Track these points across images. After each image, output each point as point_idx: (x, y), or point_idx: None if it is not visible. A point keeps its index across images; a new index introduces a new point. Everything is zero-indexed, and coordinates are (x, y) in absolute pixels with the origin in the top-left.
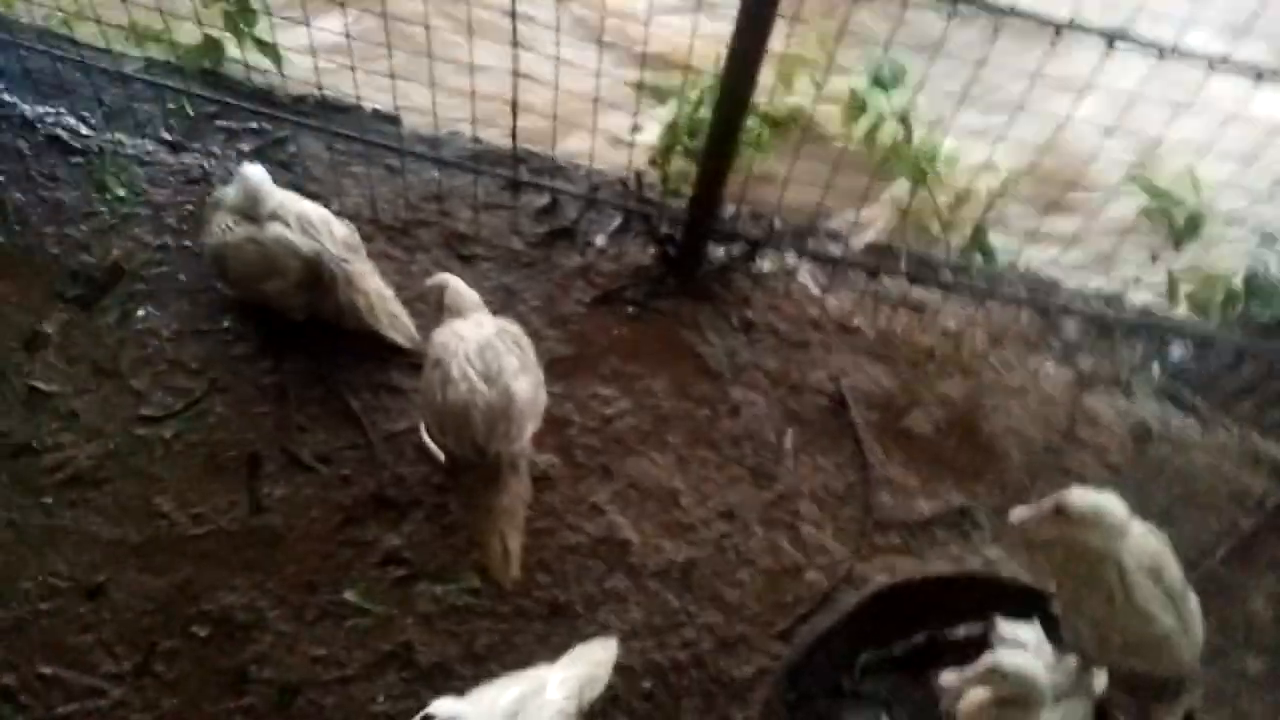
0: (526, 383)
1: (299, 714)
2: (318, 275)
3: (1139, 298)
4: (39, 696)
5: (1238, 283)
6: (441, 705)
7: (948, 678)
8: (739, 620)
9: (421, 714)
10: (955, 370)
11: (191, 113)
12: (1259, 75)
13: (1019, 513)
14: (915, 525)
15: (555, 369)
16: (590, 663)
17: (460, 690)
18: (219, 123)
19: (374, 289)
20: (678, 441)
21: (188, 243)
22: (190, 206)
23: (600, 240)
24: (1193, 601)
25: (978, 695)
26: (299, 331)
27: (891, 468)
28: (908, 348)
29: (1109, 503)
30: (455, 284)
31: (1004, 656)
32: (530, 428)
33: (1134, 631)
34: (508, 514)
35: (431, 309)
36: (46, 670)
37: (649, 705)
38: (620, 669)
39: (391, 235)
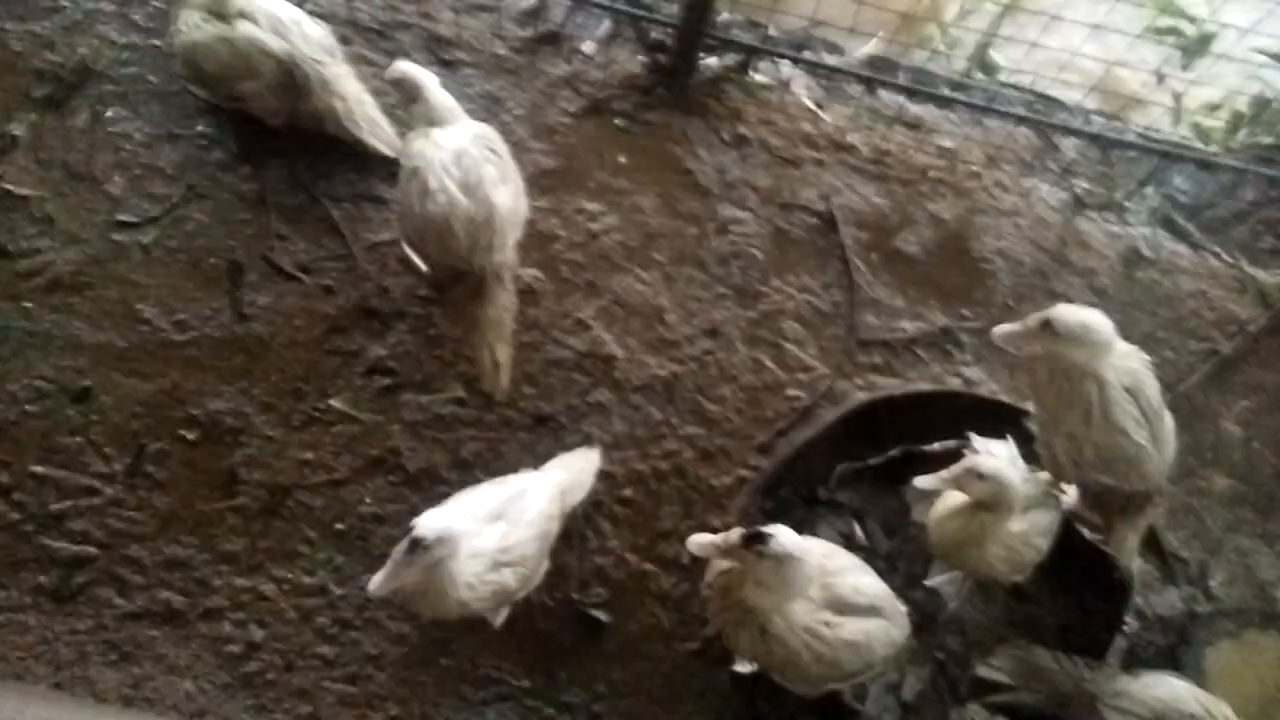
0: (507, 193)
1: (289, 514)
2: (292, 77)
3: (1141, 119)
4: (33, 494)
5: (1243, 105)
6: (427, 522)
7: (922, 480)
8: (720, 433)
9: (408, 537)
10: (948, 190)
11: None
12: None
13: (1002, 329)
14: (898, 344)
15: (540, 182)
16: (573, 469)
17: (446, 495)
18: None
19: (352, 93)
20: (664, 259)
21: (157, 42)
22: (158, 2)
23: (588, 47)
24: (1167, 421)
25: (951, 499)
26: (277, 138)
27: (878, 287)
28: (902, 166)
29: (1095, 319)
30: (428, 82)
31: (982, 459)
32: (513, 239)
33: (1107, 447)
34: (495, 326)
35: (402, 105)
36: (39, 469)
37: (630, 510)
38: (603, 476)
39: (369, 38)
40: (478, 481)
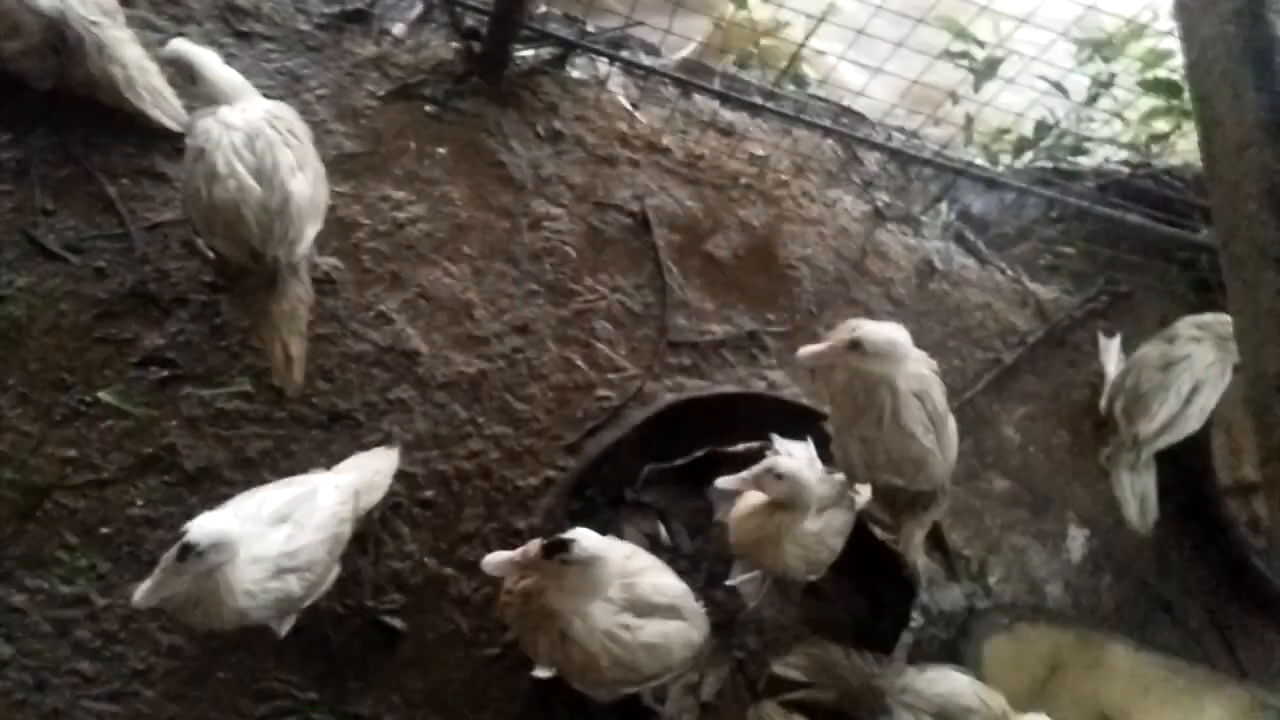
0: (304, 179)
1: (46, 517)
2: (63, 39)
3: (937, 135)
4: None
5: (1025, 130)
6: (200, 525)
7: (724, 481)
8: (527, 433)
9: (179, 542)
10: (758, 197)
11: None
12: None
13: (807, 351)
14: (706, 347)
15: (342, 166)
16: (369, 470)
17: (228, 496)
18: None
19: (133, 59)
20: (474, 252)
21: None
22: None
23: (398, 29)
24: (951, 425)
25: (751, 499)
26: (46, 102)
27: (688, 290)
28: (714, 171)
29: (899, 336)
30: (206, 60)
31: (780, 460)
32: (311, 230)
33: (897, 450)
34: (288, 318)
35: (182, 83)
36: None
37: (430, 512)
38: (402, 477)
39: (156, 1)
40: (264, 482)
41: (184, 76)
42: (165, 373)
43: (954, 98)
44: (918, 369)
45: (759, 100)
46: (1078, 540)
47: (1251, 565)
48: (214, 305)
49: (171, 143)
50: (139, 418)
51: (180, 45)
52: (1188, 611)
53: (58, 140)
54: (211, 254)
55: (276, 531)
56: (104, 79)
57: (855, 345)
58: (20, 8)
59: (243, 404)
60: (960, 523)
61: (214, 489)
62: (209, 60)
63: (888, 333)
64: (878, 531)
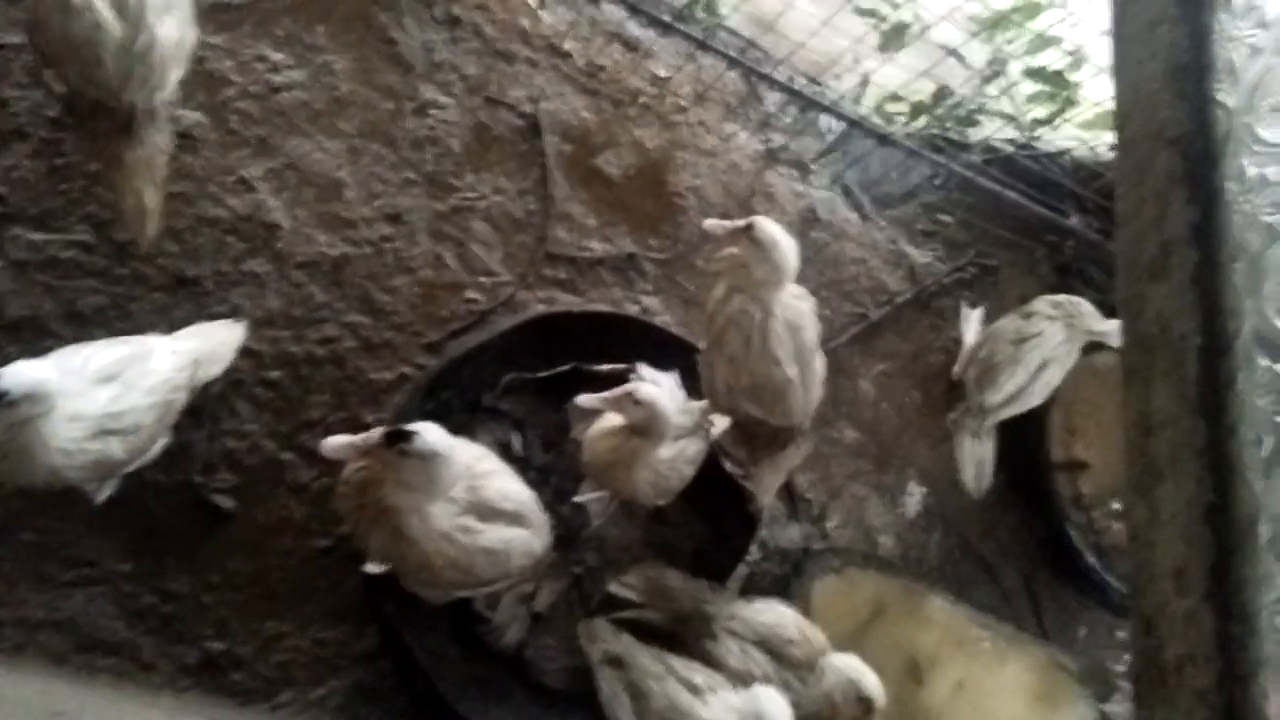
0: (172, 21)
1: None
2: None
3: (840, 87)
4: None
5: (922, 96)
6: (16, 372)
7: (584, 399)
8: (387, 326)
9: None
10: (655, 119)
11: None
12: None
13: (713, 220)
14: (584, 263)
15: (218, 16)
16: (212, 340)
17: (52, 350)
18: None
19: None
20: (352, 130)
21: None
22: None
23: None
24: (818, 365)
25: (607, 420)
26: None
27: (573, 204)
28: (614, 85)
29: (788, 244)
30: None
31: (641, 386)
32: (174, 75)
33: (761, 374)
34: (144, 167)
35: None
36: None
37: (273, 394)
38: (248, 354)
39: None
40: (94, 340)
41: None
42: None
43: (855, 54)
44: (795, 300)
45: (668, 19)
46: (915, 496)
47: (1068, 537)
48: (57, 143)
49: None
50: None
51: None
52: (1005, 574)
53: None
54: (60, 89)
55: (102, 390)
56: None
57: (750, 228)
58: None
59: (79, 254)
60: (807, 467)
61: (38, 341)
62: None
63: (779, 233)
64: (728, 465)
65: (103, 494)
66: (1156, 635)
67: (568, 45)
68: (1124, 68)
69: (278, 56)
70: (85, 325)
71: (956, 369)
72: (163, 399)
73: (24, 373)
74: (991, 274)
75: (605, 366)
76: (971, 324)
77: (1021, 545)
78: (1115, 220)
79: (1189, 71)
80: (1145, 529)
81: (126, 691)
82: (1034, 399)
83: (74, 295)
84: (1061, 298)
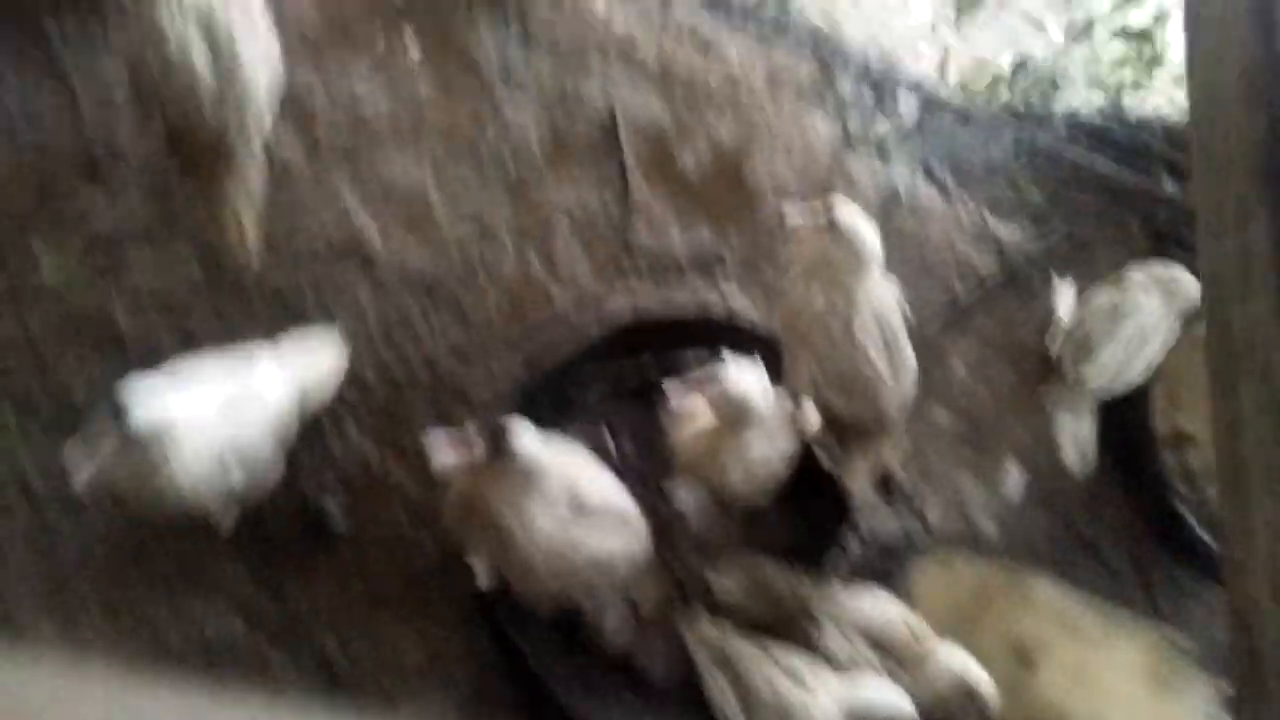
0: (261, 55)
1: None
2: None
3: (913, 65)
4: None
5: (1002, 66)
6: (143, 405)
7: (673, 388)
8: (480, 333)
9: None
10: (728, 108)
11: None
12: None
13: (793, 206)
14: (666, 258)
15: (300, 38)
16: (318, 368)
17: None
18: None
19: None
20: (436, 145)
21: None
22: None
23: None
24: (907, 354)
25: (699, 415)
26: None
27: (652, 200)
28: (687, 82)
29: (869, 232)
30: None
31: (731, 379)
32: (267, 112)
33: (848, 367)
34: (243, 193)
35: None
36: None
37: (374, 407)
38: (349, 371)
39: None
40: (202, 352)
41: None
42: (107, 240)
43: (932, 28)
44: (880, 288)
45: (739, 12)
46: (1015, 478)
47: (1178, 513)
48: (160, 170)
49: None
50: (77, 286)
51: None
52: (1113, 555)
53: (10, 6)
54: (161, 126)
55: (221, 421)
56: None
57: (828, 209)
58: None
59: (185, 276)
60: (902, 454)
61: (148, 356)
62: None
63: (860, 220)
64: (823, 458)
65: (228, 521)
66: (1248, 632)
67: (640, 46)
68: (1196, 70)
69: (363, 78)
70: (195, 342)
71: (1051, 345)
72: (277, 428)
73: (151, 407)
74: (1083, 245)
75: (692, 361)
76: (1064, 298)
77: (1129, 524)
78: (1194, 226)
79: (1263, 76)
80: (1237, 529)
81: (253, 702)
82: (1134, 374)
83: (182, 314)
84: (1157, 268)
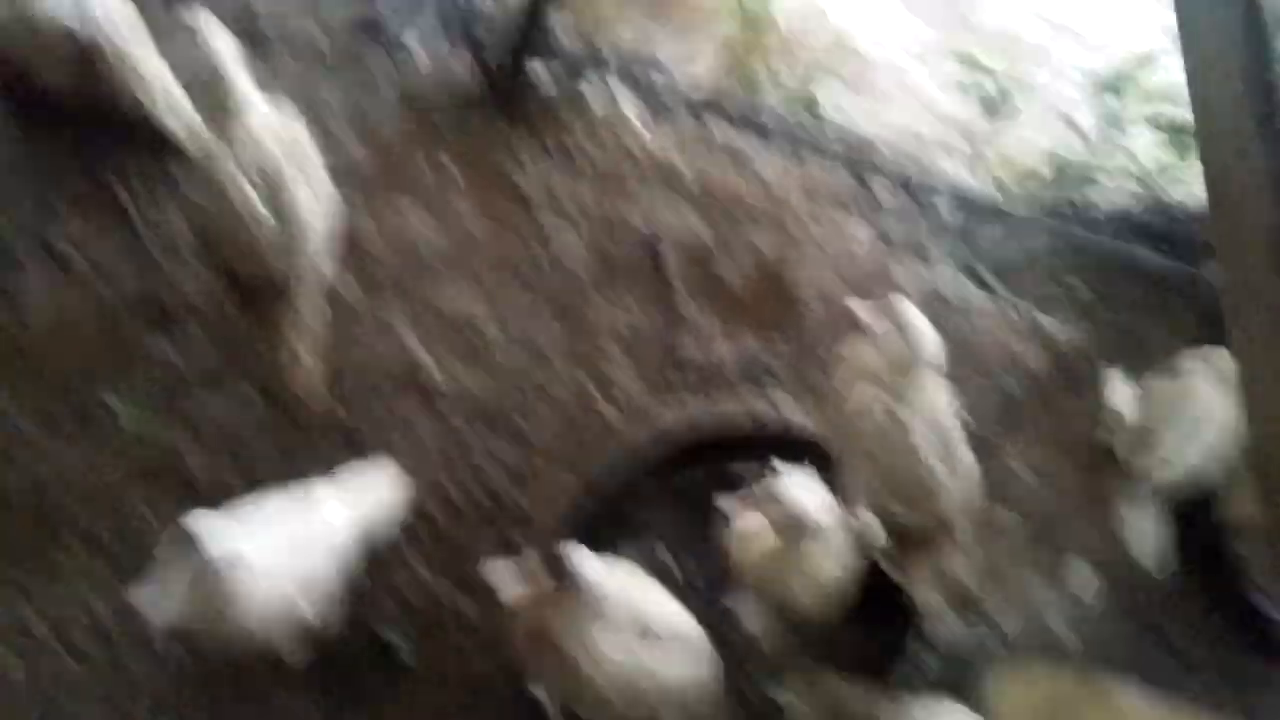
0: (313, 195)
1: (49, 524)
2: (86, 52)
3: (948, 167)
4: None
5: (1036, 163)
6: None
7: (727, 501)
8: (534, 455)
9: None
10: (767, 222)
11: None
12: None
13: (854, 301)
14: (713, 369)
15: (352, 180)
16: (381, 504)
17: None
18: None
19: (153, 73)
20: (483, 269)
21: None
22: None
23: (412, 41)
24: (965, 456)
25: (757, 526)
26: (68, 111)
27: (696, 312)
28: (724, 194)
29: (930, 331)
30: (225, 61)
31: (788, 490)
32: (320, 245)
33: (905, 472)
34: (302, 332)
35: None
36: None
37: (434, 534)
38: (411, 501)
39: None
40: (267, 491)
41: (204, 71)
42: (172, 380)
43: (965, 129)
44: (933, 393)
45: (770, 126)
46: (1086, 577)
47: (1260, 606)
48: (224, 315)
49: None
50: (143, 423)
51: (208, 36)
52: (1198, 655)
53: (77, 148)
54: (223, 268)
55: (289, 556)
56: (124, 91)
57: (893, 309)
58: (46, 22)
59: (248, 413)
60: (968, 559)
61: (217, 496)
62: (228, 61)
63: (919, 317)
64: (889, 570)
65: (299, 655)
66: None
67: (676, 162)
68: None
69: (410, 209)
70: (257, 476)
71: (1108, 438)
72: (342, 562)
73: (225, 543)
74: (1132, 335)
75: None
76: (1117, 390)
77: (1212, 623)
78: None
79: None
80: None
81: None
82: (1198, 462)
83: (247, 451)
84: (1211, 352)
